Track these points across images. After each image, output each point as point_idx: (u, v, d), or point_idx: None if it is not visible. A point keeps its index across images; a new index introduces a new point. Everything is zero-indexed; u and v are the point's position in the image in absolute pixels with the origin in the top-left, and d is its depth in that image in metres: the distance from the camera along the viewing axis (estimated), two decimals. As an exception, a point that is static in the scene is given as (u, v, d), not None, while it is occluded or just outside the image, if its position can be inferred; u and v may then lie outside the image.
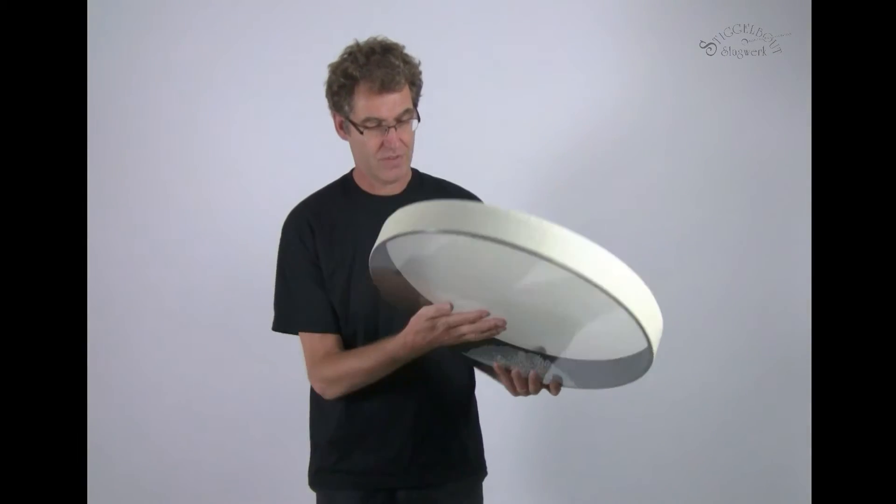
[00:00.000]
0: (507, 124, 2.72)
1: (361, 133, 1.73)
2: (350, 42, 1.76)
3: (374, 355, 1.70)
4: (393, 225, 1.42)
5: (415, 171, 1.88)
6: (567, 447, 2.79)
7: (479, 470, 1.93)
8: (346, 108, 1.74)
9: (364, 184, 1.85)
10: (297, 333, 1.83)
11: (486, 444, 1.95)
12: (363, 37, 1.76)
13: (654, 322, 1.35)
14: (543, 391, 1.64)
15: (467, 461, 1.89)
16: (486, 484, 1.94)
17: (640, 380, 1.50)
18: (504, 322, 1.52)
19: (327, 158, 2.00)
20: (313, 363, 1.79)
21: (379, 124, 1.72)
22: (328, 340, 1.79)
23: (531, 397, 1.67)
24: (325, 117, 1.83)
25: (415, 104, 1.77)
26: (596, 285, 1.27)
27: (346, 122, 1.77)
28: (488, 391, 1.95)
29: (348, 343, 1.80)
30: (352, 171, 1.88)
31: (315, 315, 1.79)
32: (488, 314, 1.52)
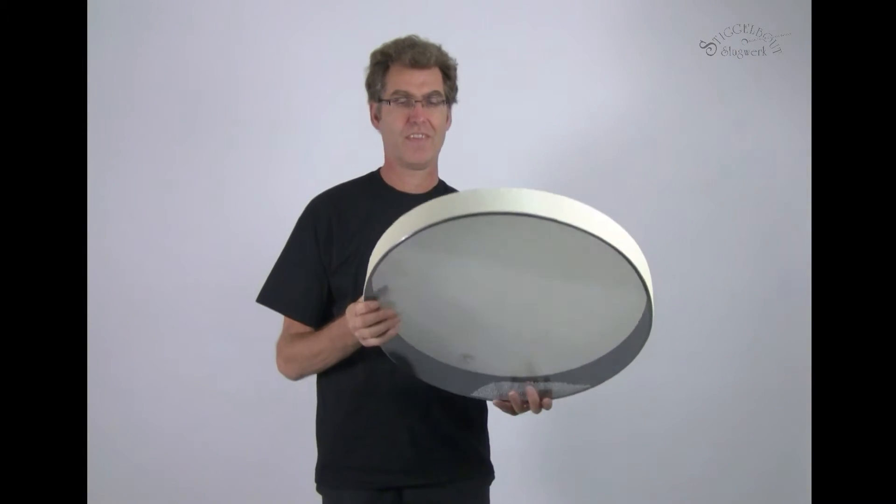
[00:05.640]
0: (508, 125, 2.72)
1: (389, 104, 1.79)
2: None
3: (319, 340, 1.78)
4: (376, 250, 1.44)
5: (441, 181, 1.92)
6: (572, 450, 2.78)
7: (487, 471, 1.91)
8: (379, 86, 1.82)
9: (391, 179, 1.87)
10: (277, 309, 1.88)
11: (493, 447, 1.94)
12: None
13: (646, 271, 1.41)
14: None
15: (474, 460, 1.89)
16: (493, 487, 1.93)
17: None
18: (395, 315, 1.54)
19: (331, 159, 2.00)
20: (280, 342, 1.87)
21: (406, 98, 1.78)
22: (299, 326, 1.85)
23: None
24: (332, 117, 1.83)
25: (448, 99, 1.84)
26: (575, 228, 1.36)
27: (378, 107, 1.83)
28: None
29: None
30: (379, 169, 1.91)
31: (296, 301, 1.84)
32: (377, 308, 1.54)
